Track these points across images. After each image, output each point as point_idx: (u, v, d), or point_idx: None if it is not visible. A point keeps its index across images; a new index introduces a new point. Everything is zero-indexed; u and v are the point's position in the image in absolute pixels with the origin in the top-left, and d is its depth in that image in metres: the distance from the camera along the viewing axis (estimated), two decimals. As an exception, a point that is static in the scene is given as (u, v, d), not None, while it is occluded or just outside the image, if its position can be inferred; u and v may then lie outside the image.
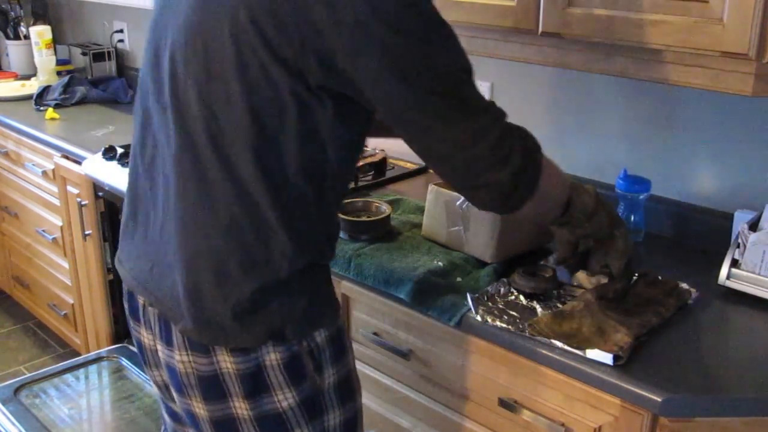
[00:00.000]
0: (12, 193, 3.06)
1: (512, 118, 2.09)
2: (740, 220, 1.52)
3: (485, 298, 1.40)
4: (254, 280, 1.10)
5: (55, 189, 2.68)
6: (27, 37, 3.46)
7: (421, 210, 1.76)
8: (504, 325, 1.31)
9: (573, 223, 1.25)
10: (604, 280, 1.36)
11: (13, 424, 2.20)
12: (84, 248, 2.58)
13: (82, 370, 2.46)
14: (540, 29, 1.47)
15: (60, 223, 2.72)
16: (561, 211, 1.24)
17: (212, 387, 1.14)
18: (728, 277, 1.43)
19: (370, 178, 2.05)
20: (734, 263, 1.43)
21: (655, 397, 1.13)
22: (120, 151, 2.38)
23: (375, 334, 1.59)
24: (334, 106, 1.06)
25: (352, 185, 1.90)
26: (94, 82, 3.19)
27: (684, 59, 1.31)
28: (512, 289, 1.42)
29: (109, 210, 2.48)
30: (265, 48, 1.01)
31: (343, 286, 1.61)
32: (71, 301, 2.81)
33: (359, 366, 1.64)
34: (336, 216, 1.21)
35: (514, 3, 1.50)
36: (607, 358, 1.20)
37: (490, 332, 1.33)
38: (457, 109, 1.06)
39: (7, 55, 3.60)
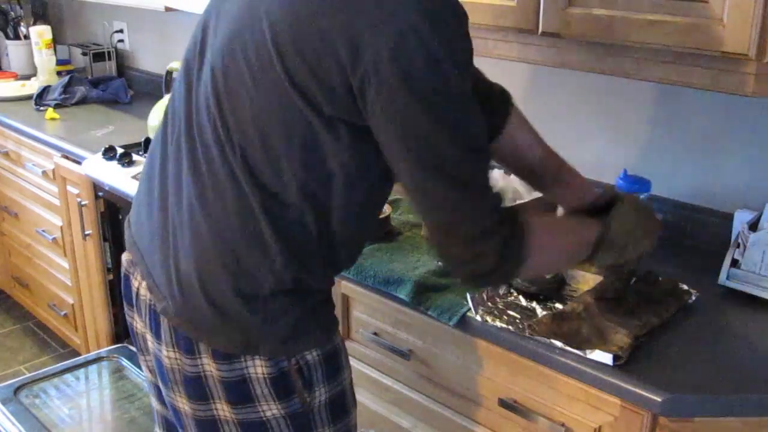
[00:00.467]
0: (12, 193, 3.06)
1: (512, 118, 2.07)
2: (740, 220, 1.52)
3: (485, 298, 1.40)
4: (237, 286, 1.10)
5: (55, 189, 2.68)
6: (27, 37, 3.46)
7: (421, 210, 1.76)
8: (504, 325, 1.31)
9: (609, 256, 1.23)
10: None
11: (13, 424, 2.20)
12: (84, 248, 2.58)
13: (82, 370, 2.46)
14: (540, 29, 1.47)
15: (60, 223, 2.72)
16: (590, 251, 1.21)
17: (197, 387, 1.14)
18: (728, 277, 1.43)
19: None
20: (734, 263, 1.43)
21: (655, 397, 1.13)
22: (120, 151, 2.38)
23: (375, 334, 1.59)
24: (349, 137, 1.05)
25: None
26: (94, 82, 3.19)
27: (684, 59, 1.31)
28: (512, 290, 1.42)
29: (109, 210, 2.48)
30: (283, 70, 1.01)
31: (343, 286, 1.61)
32: (71, 301, 2.81)
33: (359, 366, 1.64)
34: (347, 249, 1.18)
35: (514, 3, 1.50)
36: (607, 358, 1.20)
37: (490, 332, 1.33)
38: (456, 189, 1.03)
39: (7, 55, 3.60)
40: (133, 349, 2.50)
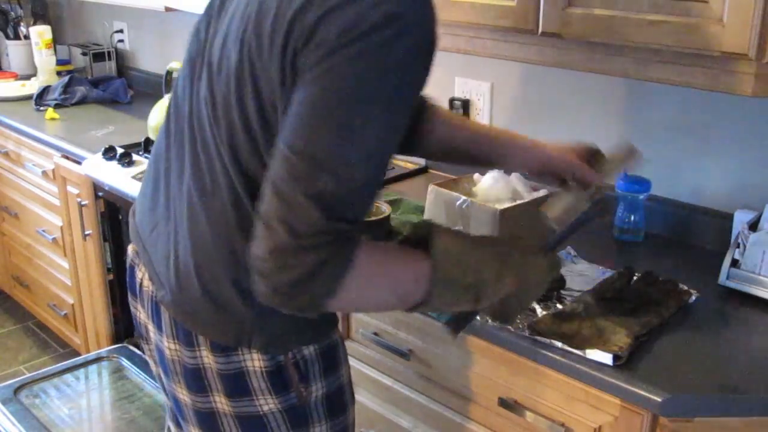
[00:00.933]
0: (12, 193, 3.06)
1: (512, 118, 2.10)
2: (740, 220, 1.52)
3: (485, 298, 1.39)
4: (234, 278, 1.10)
5: (55, 189, 2.68)
6: (27, 37, 3.46)
7: (420, 210, 1.76)
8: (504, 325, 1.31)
9: (450, 297, 1.04)
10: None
11: (13, 424, 2.20)
12: (84, 248, 2.58)
13: (82, 370, 2.46)
14: (540, 29, 1.47)
15: (60, 223, 2.72)
16: (423, 292, 1.02)
17: (196, 379, 1.15)
18: (728, 277, 1.43)
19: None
20: (734, 263, 1.43)
21: (655, 397, 1.13)
22: (120, 151, 2.38)
23: (375, 334, 1.59)
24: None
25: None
26: (94, 82, 3.19)
27: (684, 59, 1.31)
28: (512, 289, 1.42)
29: (109, 210, 2.48)
30: (257, 50, 1.01)
31: (343, 286, 1.61)
32: (71, 301, 2.81)
33: (359, 366, 1.64)
34: None
35: (514, 3, 1.50)
36: (606, 358, 1.20)
37: (490, 332, 1.33)
38: (318, 182, 0.91)
39: (7, 55, 3.60)
40: (134, 349, 2.51)
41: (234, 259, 1.09)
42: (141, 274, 1.23)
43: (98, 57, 3.35)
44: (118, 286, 2.53)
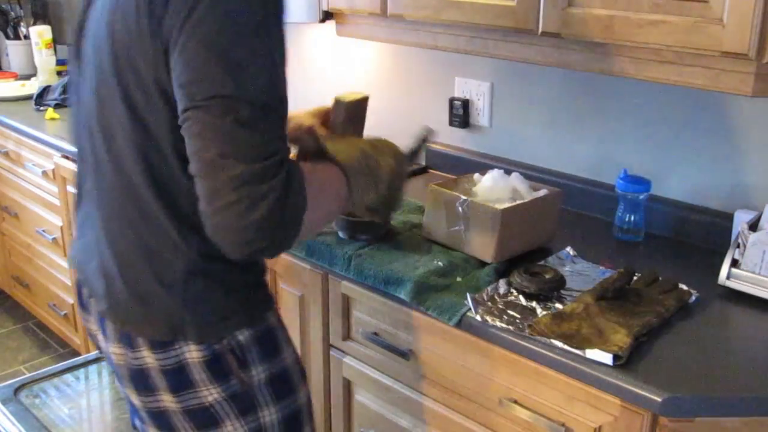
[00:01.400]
0: (12, 193, 3.06)
1: (512, 118, 2.11)
2: (740, 220, 1.52)
3: (485, 298, 1.40)
4: (154, 271, 1.13)
5: (55, 189, 2.68)
6: (27, 37, 3.46)
7: (420, 210, 1.76)
8: (504, 325, 1.31)
9: (364, 187, 1.21)
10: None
11: (13, 424, 2.20)
12: (84, 248, 2.58)
13: (82, 370, 2.46)
14: (540, 29, 1.47)
15: (60, 223, 2.72)
16: (346, 191, 1.19)
17: (141, 381, 1.18)
18: (728, 277, 1.43)
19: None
20: (734, 263, 1.43)
21: (655, 397, 1.13)
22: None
23: (375, 334, 1.59)
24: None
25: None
26: (94, 82, 3.18)
27: (684, 59, 1.31)
28: (512, 289, 1.42)
29: (109, 210, 2.48)
30: (129, 34, 1.04)
31: (343, 286, 1.61)
32: (71, 301, 2.80)
33: (359, 366, 1.64)
34: None
35: (514, 3, 1.50)
36: (606, 358, 1.20)
37: (490, 332, 1.33)
38: (238, 121, 0.98)
39: (7, 55, 3.60)
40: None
41: (149, 252, 1.12)
42: (87, 291, 1.27)
43: (98, 57, 3.35)
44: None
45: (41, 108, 2.99)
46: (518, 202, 1.54)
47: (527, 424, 1.35)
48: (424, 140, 1.40)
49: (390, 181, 1.24)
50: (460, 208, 1.53)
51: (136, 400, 1.22)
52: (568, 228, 1.70)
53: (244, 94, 0.98)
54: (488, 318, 1.34)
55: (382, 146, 1.27)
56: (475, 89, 2.05)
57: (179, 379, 1.16)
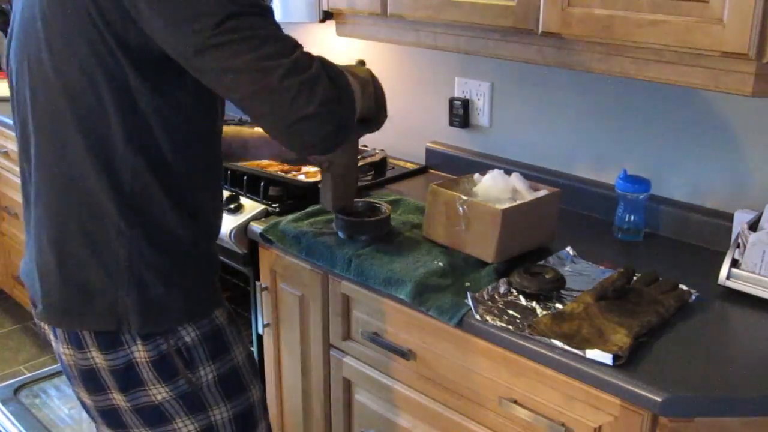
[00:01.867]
0: (12, 193, 3.06)
1: (512, 118, 2.11)
2: (740, 220, 1.52)
3: (485, 298, 1.40)
4: (97, 259, 1.14)
5: (55, 189, 2.68)
6: (27, 37, 3.45)
7: (420, 210, 1.75)
8: (504, 325, 1.31)
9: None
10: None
11: (13, 424, 2.20)
12: (84, 248, 2.58)
13: (82, 370, 2.46)
14: (540, 29, 1.47)
15: (60, 223, 2.72)
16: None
17: (91, 380, 1.19)
18: (728, 277, 1.43)
19: (370, 177, 2.05)
20: (734, 263, 1.43)
21: (655, 397, 1.13)
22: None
23: (375, 334, 1.59)
24: (139, 70, 1.07)
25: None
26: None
27: (684, 59, 1.31)
28: (512, 289, 1.42)
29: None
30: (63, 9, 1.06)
31: (343, 286, 1.61)
32: (71, 301, 2.80)
33: (359, 366, 1.64)
34: (202, 193, 1.21)
35: (514, 3, 1.50)
36: (606, 358, 1.20)
37: (490, 332, 1.33)
38: (245, 40, 1.03)
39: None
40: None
41: (95, 241, 1.13)
42: (33, 294, 1.28)
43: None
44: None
45: (41, 108, 2.99)
46: (518, 202, 1.54)
47: (527, 424, 1.35)
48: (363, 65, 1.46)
49: (374, 84, 1.33)
50: (460, 209, 1.53)
51: (87, 399, 1.23)
52: (568, 228, 1.70)
53: (242, 8, 1.02)
54: (488, 317, 1.34)
55: (351, 66, 1.33)
56: (475, 89, 2.05)
57: (128, 378, 1.18)
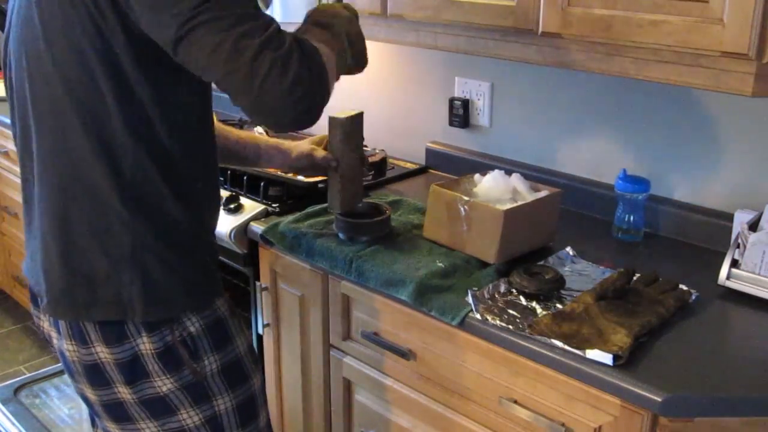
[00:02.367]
0: (12, 193, 3.06)
1: (512, 118, 2.10)
2: (740, 220, 1.52)
3: (485, 296, 1.40)
4: (101, 248, 1.15)
5: (55, 189, 2.68)
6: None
7: (420, 211, 1.75)
8: (504, 324, 1.31)
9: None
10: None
11: (13, 424, 2.20)
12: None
13: (82, 370, 2.46)
14: (540, 29, 1.47)
15: (60, 223, 2.72)
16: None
17: (96, 375, 1.21)
18: (728, 277, 1.43)
19: (370, 177, 2.05)
20: (734, 263, 1.43)
21: (655, 397, 1.13)
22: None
23: (375, 334, 1.59)
24: (135, 60, 1.09)
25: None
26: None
27: (684, 59, 1.31)
28: (512, 289, 1.42)
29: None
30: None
31: (343, 286, 1.61)
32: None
33: (359, 366, 1.64)
34: (199, 180, 1.23)
35: (514, 3, 1.50)
36: (606, 358, 1.20)
37: (490, 332, 1.33)
38: (221, 19, 1.04)
39: (7, 55, 3.60)
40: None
41: (99, 231, 1.15)
42: (37, 291, 1.28)
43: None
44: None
45: (41, 108, 2.99)
46: (520, 202, 1.54)
47: (527, 424, 1.35)
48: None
49: (348, 31, 1.32)
50: (462, 209, 1.53)
51: (91, 394, 1.24)
52: (567, 228, 1.70)
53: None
54: (488, 317, 1.34)
55: (328, 8, 1.35)
56: (475, 89, 2.05)
57: (134, 370, 1.19)
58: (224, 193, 1.83)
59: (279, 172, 1.93)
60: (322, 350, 1.73)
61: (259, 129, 2.15)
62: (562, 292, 1.42)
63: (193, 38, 1.03)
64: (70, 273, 1.17)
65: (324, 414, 1.79)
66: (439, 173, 2.14)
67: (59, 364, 2.50)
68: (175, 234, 1.20)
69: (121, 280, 1.16)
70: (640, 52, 1.36)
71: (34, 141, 1.19)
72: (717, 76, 1.28)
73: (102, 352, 1.19)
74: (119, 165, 1.13)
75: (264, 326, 1.86)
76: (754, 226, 1.47)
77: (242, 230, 1.78)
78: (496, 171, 1.62)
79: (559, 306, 1.37)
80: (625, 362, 1.20)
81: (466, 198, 1.52)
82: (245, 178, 1.91)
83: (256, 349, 1.67)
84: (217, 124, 1.43)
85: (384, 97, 2.28)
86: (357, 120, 1.58)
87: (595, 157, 1.85)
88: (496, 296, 1.41)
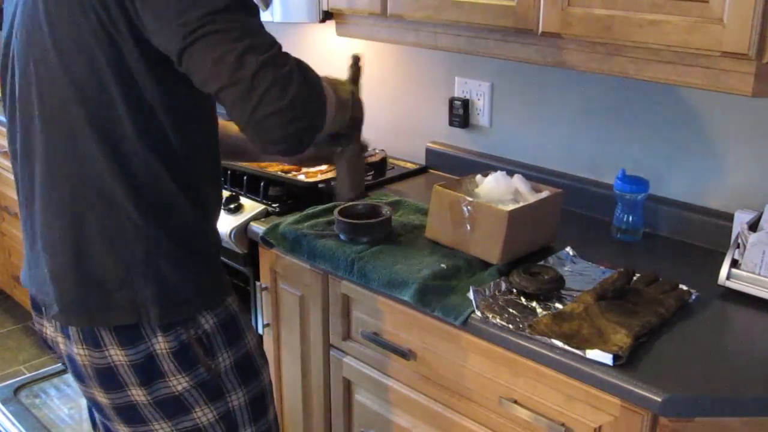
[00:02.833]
0: (12, 193, 3.06)
1: (512, 118, 2.11)
2: (740, 220, 1.52)
3: (486, 294, 1.40)
4: (115, 254, 1.15)
5: (55, 189, 2.68)
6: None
7: (421, 211, 1.75)
8: (504, 323, 1.31)
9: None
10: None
11: (13, 424, 2.20)
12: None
13: (82, 370, 2.46)
14: (540, 29, 1.47)
15: (60, 223, 2.72)
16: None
17: (109, 378, 1.20)
18: (728, 277, 1.43)
19: (370, 178, 2.05)
20: (734, 263, 1.43)
21: (655, 397, 1.13)
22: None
23: (375, 334, 1.59)
24: (145, 65, 1.09)
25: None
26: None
27: (684, 59, 1.31)
28: (512, 288, 1.42)
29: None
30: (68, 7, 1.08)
31: (343, 286, 1.61)
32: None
33: (359, 366, 1.64)
34: (205, 181, 1.24)
35: (514, 3, 1.50)
36: (606, 358, 1.20)
37: (491, 332, 1.33)
38: (226, 31, 1.05)
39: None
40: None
41: (112, 237, 1.15)
42: (41, 300, 1.28)
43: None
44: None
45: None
46: (522, 203, 1.54)
47: (527, 424, 1.35)
48: (357, 64, 1.48)
49: (352, 105, 1.36)
50: (465, 210, 1.53)
51: (102, 398, 1.24)
52: (568, 228, 1.70)
53: (227, 3, 1.04)
54: (489, 315, 1.34)
55: (335, 80, 1.36)
56: (475, 89, 2.05)
57: (149, 371, 1.19)
58: (224, 193, 1.83)
59: (279, 171, 1.93)
60: (322, 350, 1.73)
61: None
62: (562, 292, 1.42)
63: (197, 48, 1.03)
64: (82, 279, 1.17)
65: (324, 414, 1.79)
66: (439, 173, 2.14)
67: (59, 364, 2.51)
68: (185, 235, 1.20)
69: (135, 284, 1.16)
70: (640, 52, 1.36)
71: (39, 148, 1.18)
72: (717, 76, 1.28)
73: (116, 355, 1.18)
74: (131, 170, 1.13)
75: (264, 326, 1.86)
76: (754, 226, 1.47)
77: (242, 230, 1.79)
78: (498, 172, 1.62)
79: (559, 306, 1.37)
80: (625, 362, 1.20)
81: (469, 199, 1.52)
82: (245, 178, 1.91)
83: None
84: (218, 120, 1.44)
85: (384, 97, 2.28)
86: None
87: (595, 157, 1.85)
88: (497, 294, 1.41)
